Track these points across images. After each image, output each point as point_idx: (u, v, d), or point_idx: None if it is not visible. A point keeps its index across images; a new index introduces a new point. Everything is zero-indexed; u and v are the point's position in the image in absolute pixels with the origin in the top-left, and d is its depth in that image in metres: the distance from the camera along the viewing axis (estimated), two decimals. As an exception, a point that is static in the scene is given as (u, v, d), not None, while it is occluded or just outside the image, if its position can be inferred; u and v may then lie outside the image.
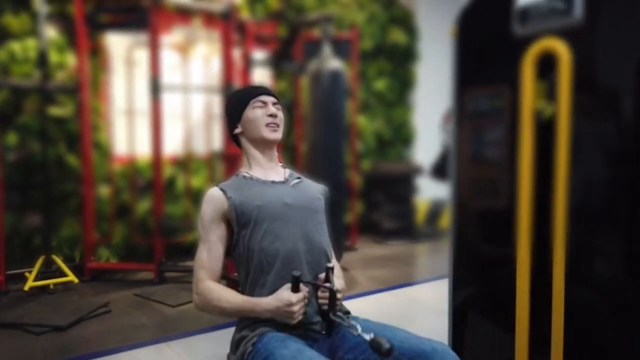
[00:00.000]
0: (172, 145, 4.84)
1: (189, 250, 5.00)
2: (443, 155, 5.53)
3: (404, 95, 7.19)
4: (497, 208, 1.52)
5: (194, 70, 4.97)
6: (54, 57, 4.41)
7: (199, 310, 1.44)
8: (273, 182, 1.49)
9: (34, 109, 4.25)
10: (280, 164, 1.60)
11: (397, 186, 6.47)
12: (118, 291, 3.96)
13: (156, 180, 4.29)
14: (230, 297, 1.37)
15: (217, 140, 4.77)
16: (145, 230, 4.63)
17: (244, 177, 1.50)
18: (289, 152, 5.48)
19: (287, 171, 1.59)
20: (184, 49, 5.01)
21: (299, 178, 1.56)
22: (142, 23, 4.34)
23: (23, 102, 4.30)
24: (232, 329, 1.47)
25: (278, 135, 1.50)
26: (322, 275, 1.40)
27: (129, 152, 4.55)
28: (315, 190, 1.56)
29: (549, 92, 1.36)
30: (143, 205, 4.75)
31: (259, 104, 1.50)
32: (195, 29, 5.22)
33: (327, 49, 4.74)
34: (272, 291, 1.37)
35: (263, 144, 1.52)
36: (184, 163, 4.98)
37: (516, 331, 1.46)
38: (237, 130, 1.54)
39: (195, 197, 5.06)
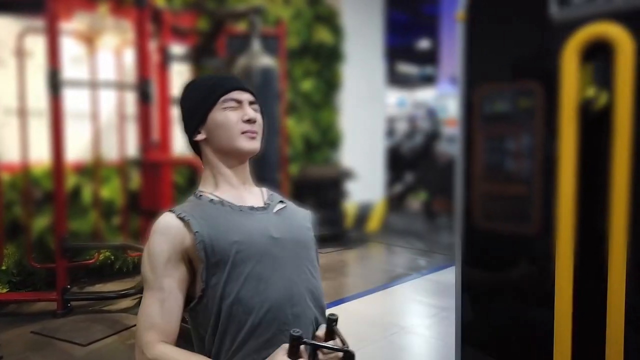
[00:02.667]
0: (76, 150, 4.14)
1: (100, 272, 4.37)
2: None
3: (330, 97, 6.94)
4: (526, 234, 1.24)
5: (103, 64, 4.30)
6: None
7: None
8: (252, 208, 1.11)
9: None
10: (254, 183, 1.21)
11: (327, 191, 6.20)
12: (10, 329, 3.25)
13: (57, 192, 3.62)
14: None
15: (131, 144, 4.16)
16: (44, 252, 3.91)
17: (211, 201, 1.10)
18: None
19: (265, 191, 1.21)
20: (88, 38, 4.33)
21: (281, 201, 1.19)
22: (37, 5, 3.64)
23: None
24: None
25: (256, 145, 1.12)
26: (321, 332, 1.05)
27: (21, 158, 3.80)
28: (303, 218, 1.20)
29: (600, 78, 1.09)
30: (41, 222, 4.01)
31: (232, 103, 1.10)
32: (102, 15, 4.55)
33: (256, 44, 4.32)
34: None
35: (235, 157, 1.12)
36: (92, 170, 4.30)
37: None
38: (199, 137, 1.13)
39: (106, 209, 4.41)
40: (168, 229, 1.04)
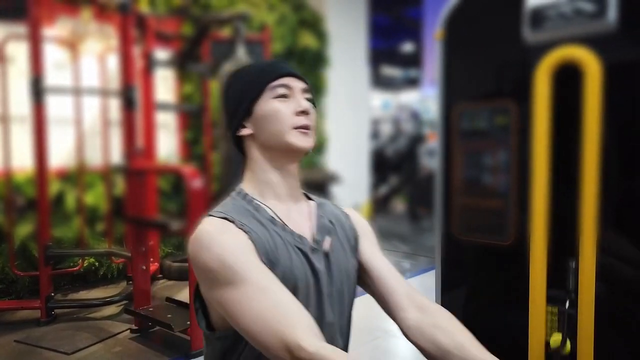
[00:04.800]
0: (59, 157, 4.12)
1: (84, 279, 4.34)
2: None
3: (315, 101, 6.98)
4: (503, 246, 1.29)
5: (86, 70, 4.28)
6: None
7: None
8: (300, 248, 0.92)
9: None
10: (300, 190, 1.03)
11: (314, 194, 6.24)
12: (-7, 338, 3.22)
13: (41, 198, 3.60)
14: None
15: (115, 150, 4.15)
16: (27, 259, 3.88)
17: (272, 220, 0.93)
18: (197, 163, 4.98)
19: (313, 209, 1.01)
20: (71, 44, 4.31)
21: (330, 225, 1.00)
22: (19, 11, 3.62)
23: None
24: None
25: (311, 142, 0.96)
26: None
27: (3, 165, 3.77)
28: (350, 253, 1.02)
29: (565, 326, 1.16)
30: (23, 229, 3.98)
31: (282, 90, 0.95)
32: (85, 21, 4.53)
33: (241, 50, 4.34)
34: None
35: (286, 155, 0.96)
36: (75, 177, 4.28)
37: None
38: (245, 132, 0.97)
39: (90, 215, 4.38)
40: (237, 231, 0.86)
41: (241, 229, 0.87)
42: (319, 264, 0.94)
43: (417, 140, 9.92)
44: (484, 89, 1.32)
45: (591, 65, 1.11)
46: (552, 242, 1.21)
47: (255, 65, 1.00)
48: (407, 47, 15.06)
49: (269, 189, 0.97)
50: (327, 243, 0.97)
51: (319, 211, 1.02)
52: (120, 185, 4.30)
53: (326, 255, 0.96)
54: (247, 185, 0.99)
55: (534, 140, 1.20)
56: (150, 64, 4.52)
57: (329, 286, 0.95)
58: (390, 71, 15.42)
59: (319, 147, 7.00)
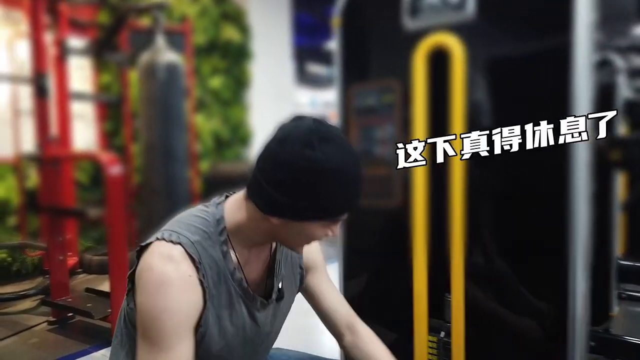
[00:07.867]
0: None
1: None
2: None
3: (239, 94, 7.03)
4: (391, 207, 1.48)
5: (-7, 56, 4.09)
6: None
7: None
8: (249, 306, 1.00)
9: None
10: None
11: (238, 187, 6.28)
12: None
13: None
14: None
15: (28, 139, 3.99)
16: None
17: (232, 272, 0.96)
18: (117, 154, 4.88)
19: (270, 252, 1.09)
20: (-24, 29, 4.09)
21: (283, 269, 1.09)
22: None
23: None
24: None
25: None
26: None
27: None
28: (294, 289, 1.14)
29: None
30: None
31: (331, 223, 0.95)
32: (-9, 6, 4.31)
33: (160, 40, 4.33)
34: None
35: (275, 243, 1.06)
36: (-18, 169, 4.07)
37: (415, 326, 1.44)
38: (274, 221, 0.92)
39: (1, 208, 4.18)
40: (189, 284, 0.88)
41: (201, 282, 0.90)
42: (263, 317, 1.02)
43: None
44: (373, 70, 1.50)
45: (456, 49, 1.32)
46: (431, 203, 1.41)
47: (348, 182, 0.91)
48: (332, 45, 15.38)
49: (245, 238, 0.98)
50: (275, 293, 1.05)
51: (276, 255, 1.07)
52: (33, 177, 4.15)
53: (274, 309, 1.05)
54: (229, 218, 0.98)
55: (414, 114, 1.40)
56: (63, 52, 4.38)
57: (267, 329, 1.05)
58: (316, 69, 15.68)
59: (245, 139, 7.05)
